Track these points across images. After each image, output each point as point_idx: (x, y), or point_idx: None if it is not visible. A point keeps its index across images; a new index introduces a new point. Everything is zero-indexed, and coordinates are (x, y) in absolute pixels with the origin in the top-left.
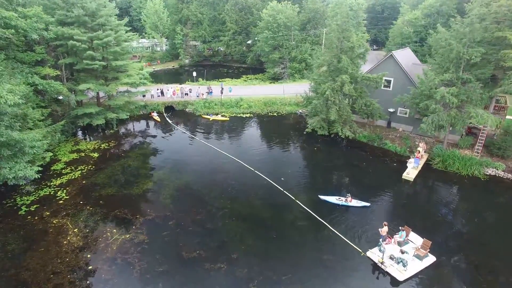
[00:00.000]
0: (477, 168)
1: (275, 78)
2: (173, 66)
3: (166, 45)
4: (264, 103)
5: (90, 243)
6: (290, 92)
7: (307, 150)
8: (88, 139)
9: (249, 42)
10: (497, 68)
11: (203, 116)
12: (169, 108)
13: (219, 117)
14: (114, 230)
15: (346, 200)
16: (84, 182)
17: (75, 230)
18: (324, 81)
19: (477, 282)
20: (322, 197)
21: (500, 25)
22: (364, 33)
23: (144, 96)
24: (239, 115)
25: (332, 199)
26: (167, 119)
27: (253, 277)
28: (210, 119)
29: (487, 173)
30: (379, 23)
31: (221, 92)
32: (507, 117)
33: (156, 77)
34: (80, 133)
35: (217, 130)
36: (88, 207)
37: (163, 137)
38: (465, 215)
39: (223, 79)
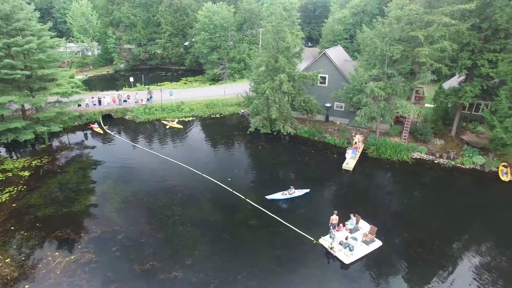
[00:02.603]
0: (405, 153)
1: (215, 79)
2: (108, 72)
3: (98, 49)
4: (206, 105)
5: (28, 272)
6: (231, 93)
7: (252, 149)
8: (15, 157)
9: (187, 43)
10: (414, 63)
11: (162, 121)
12: (107, 117)
13: (175, 124)
14: (56, 253)
15: (289, 192)
16: (14, 205)
17: (7, 260)
18: (264, 81)
19: (411, 257)
20: (269, 197)
21: (413, 26)
22: (298, 31)
23: (79, 105)
24: (181, 119)
25: (278, 195)
26: (106, 129)
27: (209, 280)
28: (168, 125)
29: (414, 157)
30: (312, 21)
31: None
32: (426, 105)
33: (90, 84)
34: (4, 150)
35: (160, 136)
36: (22, 232)
37: (103, 148)
38: (399, 197)
39: (162, 83)
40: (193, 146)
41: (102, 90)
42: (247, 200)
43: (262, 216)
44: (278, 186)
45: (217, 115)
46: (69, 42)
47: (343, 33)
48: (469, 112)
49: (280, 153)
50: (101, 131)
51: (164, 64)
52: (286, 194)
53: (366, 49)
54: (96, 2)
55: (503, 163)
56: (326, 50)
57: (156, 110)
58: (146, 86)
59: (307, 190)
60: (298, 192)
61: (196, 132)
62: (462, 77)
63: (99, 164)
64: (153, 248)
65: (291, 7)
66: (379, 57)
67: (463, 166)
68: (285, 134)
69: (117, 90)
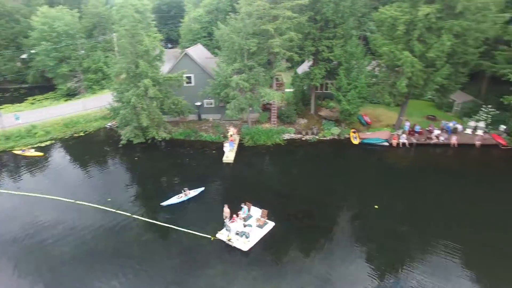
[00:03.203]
0: (277, 136)
1: (71, 94)
2: None
3: None
4: (65, 125)
5: None
6: (93, 107)
7: (128, 162)
8: None
9: (24, 56)
10: (270, 54)
11: (14, 151)
12: None
13: (33, 153)
14: None
15: (185, 194)
16: None
17: None
18: (127, 89)
19: (299, 227)
20: (164, 203)
21: (263, 20)
22: (156, 33)
23: None
24: (36, 146)
25: (174, 200)
26: None
27: None
28: (23, 155)
29: (285, 138)
30: (169, 22)
31: None
32: (286, 90)
33: None
34: None
35: (13, 170)
36: None
37: None
38: (279, 177)
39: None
40: (59, 173)
41: None
42: (134, 216)
43: (154, 228)
44: (163, 194)
45: (81, 133)
46: None
47: (201, 32)
48: (321, 91)
49: (159, 160)
50: None
51: None
52: (181, 197)
53: (225, 44)
54: None
55: (352, 130)
56: (186, 50)
57: None
58: None
59: (202, 189)
60: (194, 192)
61: (60, 157)
62: (311, 62)
63: None
64: None
65: (144, 9)
66: (238, 51)
67: (325, 138)
68: (160, 140)
69: None
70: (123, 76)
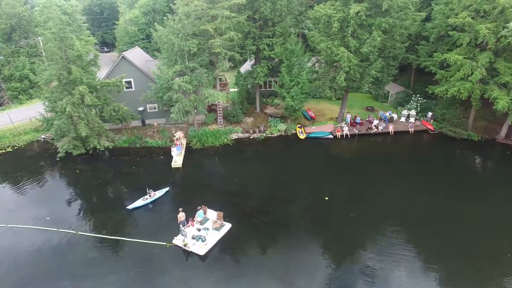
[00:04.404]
0: (225, 137)
1: None
2: None
3: None
4: None
5: None
6: (21, 119)
7: (68, 176)
8: None
9: None
10: (211, 54)
11: None
12: None
13: None
14: None
15: (150, 196)
16: None
17: None
18: (60, 97)
19: (254, 225)
20: (130, 206)
21: (202, 20)
22: (89, 36)
23: None
24: None
25: (140, 202)
26: None
27: None
28: None
29: (233, 138)
30: (103, 24)
31: None
32: (230, 90)
33: None
34: None
35: None
36: None
37: None
38: (230, 177)
39: None
40: None
41: None
42: (79, 233)
43: (102, 243)
44: (110, 206)
45: (9, 149)
46: None
47: (139, 34)
48: (265, 89)
49: (103, 171)
50: None
51: None
52: (147, 198)
53: (164, 46)
54: None
55: (298, 125)
56: (124, 53)
57: None
58: None
59: (167, 189)
60: (159, 193)
61: None
62: (253, 61)
63: None
64: None
65: (73, 10)
66: (178, 52)
67: (272, 135)
68: (103, 149)
69: None
70: (55, 83)
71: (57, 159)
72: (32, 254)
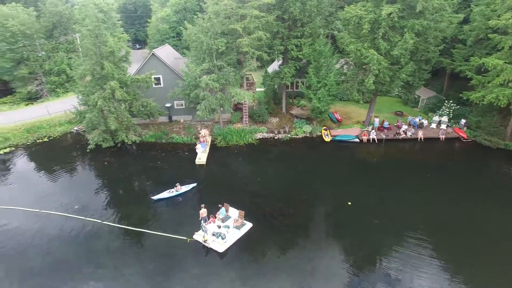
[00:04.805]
0: (250, 136)
1: (33, 98)
2: None
3: None
4: (27, 130)
5: None
6: (57, 111)
7: (97, 168)
8: None
9: None
10: (239, 53)
11: None
12: None
13: None
14: None
15: (176, 189)
16: None
17: None
18: (93, 91)
19: (275, 226)
20: (155, 197)
21: (231, 19)
22: (122, 33)
23: None
24: None
25: (165, 194)
26: None
27: None
28: None
29: (257, 138)
30: (136, 22)
31: None
32: (257, 89)
33: None
34: None
35: None
36: None
37: None
38: (253, 177)
39: None
40: (22, 182)
41: None
42: (104, 223)
43: (126, 234)
44: (135, 199)
45: (45, 139)
46: None
47: (170, 32)
48: (292, 90)
49: (129, 164)
50: None
51: None
52: (172, 191)
53: (193, 44)
54: None
55: (324, 127)
56: (154, 50)
57: None
58: None
59: (194, 184)
60: (185, 188)
61: (22, 165)
62: (280, 61)
63: None
64: None
65: (109, 8)
66: (207, 51)
67: (297, 136)
68: (130, 143)
69: None
70: (88, 78)
71: (88, 150)
72: (60, 239)
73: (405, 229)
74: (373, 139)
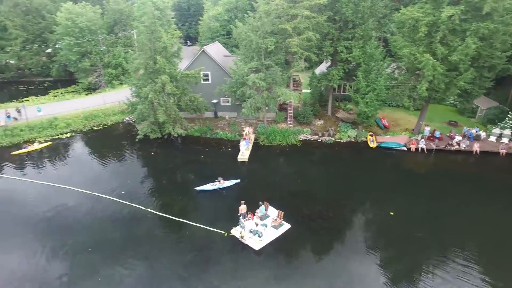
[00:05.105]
0: (293, 137)
1: (92, 89)
2: None
3: None
4: (85, 118)
5: None
6: (112, 101)
7: (144, 157)
8: None
9: (49, 51)
10: (287, 53)
11: (16, 153)
12: None
13: (36, 146)
14: None
15: (219, 183)
16: None
17: None
18: (145, 84)
19: (313, 229)
20: (198, 188)
21: (281, 19)
22: (175, 30)
23: None
24: (57, 137)
25: (208, 186)
26: None
27: None
28: (26, 152)
29: (301, 139)
30: (188, 20)
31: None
32: (303, 90)
33: None
34: None
35: (36, 160)
36: None
37: None
38: (294, 177)
39: (25, 99)
40: (77, 164)
41: None
42: (148, 210)
43: (167, 222)
44: (177, 189)
45: (100, 127)
46: None
47: (220, 30)
48: (339, 92)
49: (174, 156)
50: None
51: (24, 77)
52: (215, 185)
53: (243, 43)
54: None
55: (370, 133)
56: (204, 47)
57: (21, 130)
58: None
59: (238, 180)
60: (228, 183)
61: (79, 149)
62: (329, 63)
63: None
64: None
65: (164, 6)
66: (256, 50)
67: (341, 140)
68: (176, 136)
69: None
70: (142, 71)
71: (136, 140)
72: (106, 221)
73: (451, 245)
74: (422, 149)
